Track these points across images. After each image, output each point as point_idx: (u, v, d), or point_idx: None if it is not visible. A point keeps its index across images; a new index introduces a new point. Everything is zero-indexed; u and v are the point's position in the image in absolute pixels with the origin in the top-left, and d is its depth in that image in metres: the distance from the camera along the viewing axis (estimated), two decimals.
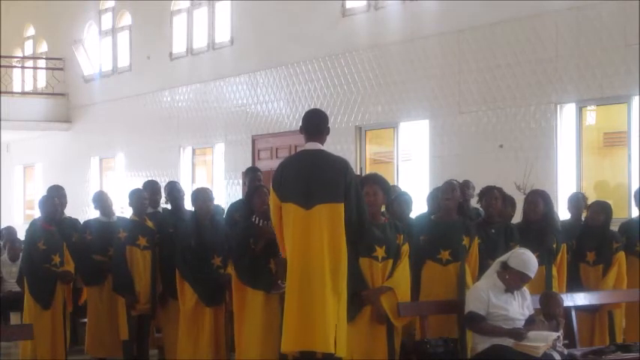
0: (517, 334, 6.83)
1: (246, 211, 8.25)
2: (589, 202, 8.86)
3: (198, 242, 8.37)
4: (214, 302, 8.33)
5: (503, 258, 7.09)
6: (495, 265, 7.11)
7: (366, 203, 6.68)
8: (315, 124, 6.74)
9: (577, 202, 8.90)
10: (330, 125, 6.83)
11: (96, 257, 9.51)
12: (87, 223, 10.09)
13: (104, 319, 9.46)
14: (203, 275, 8.34)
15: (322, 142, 6.68)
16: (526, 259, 6.98)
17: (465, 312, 7.00)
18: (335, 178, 6.48)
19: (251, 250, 7.81)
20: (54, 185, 10.45)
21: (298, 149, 15.07)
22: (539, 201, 8.01)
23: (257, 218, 7.94)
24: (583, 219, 8.87)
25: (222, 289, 8.35)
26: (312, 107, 14.87)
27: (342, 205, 6.46)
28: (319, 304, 6.35)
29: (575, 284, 8.19)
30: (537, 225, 7.93)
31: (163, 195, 9.82)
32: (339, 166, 6.57)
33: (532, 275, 7.01)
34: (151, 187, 9.80)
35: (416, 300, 7.37)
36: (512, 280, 6.98)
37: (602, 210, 8.46)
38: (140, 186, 9.80)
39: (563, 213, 11.05)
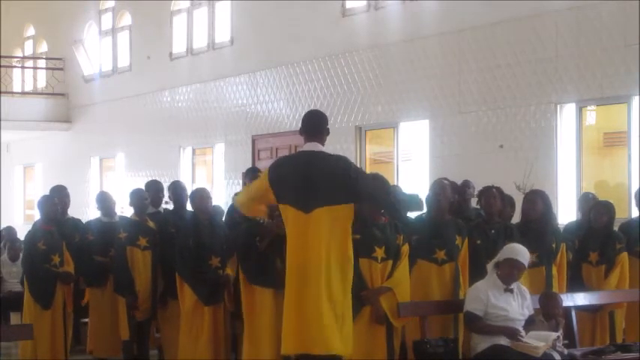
0: (511, 333, 6.84)
1: None
2: (595, 202, 8.85)
3: (197, 242, 8.36)
4: (213, 301, 8.32)
5: (494, 260, 7.10)
6: (489, 267, 7.12)
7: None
8: (313, 124, 6.61)
9: (587, 202, 8.89)
10: (330, 125, 6.73)
11: (97, 258, 9.52)
12: (89, 223, 10.10)
13: (106, 319, 9.46)
14: (201, 275, 8.34)
15: (322, 142, 6.53)
16: (512, 247, 7.05)
17: (463, 312, 7.01)
18: (335, 180, 6.32)
19: (256, 249, 7.80)
20: (57, 185, 10.44)
21: (298, 149, 15.12)
22: (537, 200, 8.02)
23: (260, 217, 7.94)
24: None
25: (220, 289, 8.35)
26: (312, 107, 14.94)
27: (343, 206, 6.32)
28: (318, 306, 6.27)
29: (577, 284, 8.19)
30: (536, 225, 7.93)
31: (166, 195, 9.81)
32: (339, 165, 6.42)
33: (521, 259, 6.97)
34: (154, 186, 9.80)
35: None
36: (506, 271, 6.98)
37: (605, 210, 8.46)
38: (140, 186, 9.80)
39: (564, 213, 11.10)
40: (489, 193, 7.98)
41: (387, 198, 6.62)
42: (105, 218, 9.82)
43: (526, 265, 7.07)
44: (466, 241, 7.58)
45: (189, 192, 9.56)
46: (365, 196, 6.42)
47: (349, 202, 6.33)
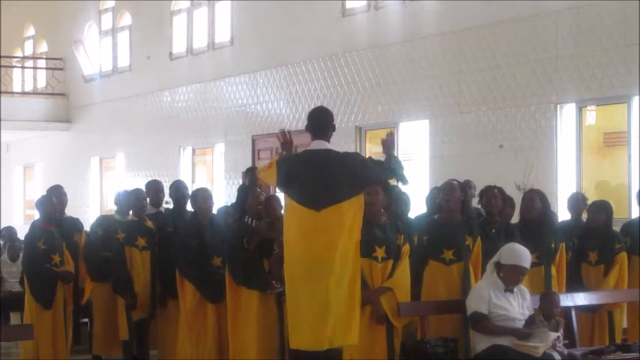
0: (522, 334, 6.85)
1: (239, 212, 8.24)
2: (589, 201, 8.85)
3: (199, 242, 8.37)
4: (218, 299, 8.29)
5: (495, 258, 7.09)
6: (490, 266, 7.11)
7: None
8: (319, 122, 6.73)
9: (577, 202, 8.90)
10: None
11: (105, 254, 9.48)
12: (101, 218, 10.07)
13: (111, 316, 9.44)
14: (205, 275, 8.34)
15: (328, 140, 6.68)
16: (516, 252, 7.02)
17: (468, 312, 7.00)
18: (344, 177, 6.49)
19: (244, 250, 7.81)
20: (54, 185, 10.45)
21: (299, 149, 15.14)
22: (535, 200, 8.02)
23: (249, 218, 7.95)
24: (584, 219, 8.89)
25: (223, 287, 8.33)
26: (312, 107, 14.90)
27: (351, 200, 6.47)
28: (331, 301, 6.39)
29: (576, 284, 8.19)
30: (535, 224, 7.93)
31: (166, 194, 9.79)
32: (348, 162, 6.63)
33: (526, 265, 7.00)
34: (154, 186, 9.79)
35: (418, 300, 7.37)
36: (508, 275, 6.98)
37: (602, 209, 8.47)
38: (141, 186, 9.78)
39: (564, 213, 11.09)
40: (491, 192, 7.99)
41: (386, 173, 6.80)
42: (117, 216, 9.79)
43: (529, 267, 7.08)
44: (478, 241, 7.58)
45: (190, 192, 9.56)
46: (371, 182, 6.66)
47: (357, 193, 6.50)
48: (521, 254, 7.01)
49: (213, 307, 8.30)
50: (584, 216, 8.78)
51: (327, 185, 6.46)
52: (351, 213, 6.48)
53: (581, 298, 7.90)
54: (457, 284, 7.45)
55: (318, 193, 6.46)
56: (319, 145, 6.65)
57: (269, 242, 7.72)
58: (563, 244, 8.04)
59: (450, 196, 7.61)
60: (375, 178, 6.70)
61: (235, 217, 8.48)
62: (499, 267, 7.02)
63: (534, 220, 7.95)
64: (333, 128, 6.78)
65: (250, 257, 7.79)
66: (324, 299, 6.37)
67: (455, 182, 7.89)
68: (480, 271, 7.52)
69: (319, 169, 6.52)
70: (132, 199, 9.23)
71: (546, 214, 8.06)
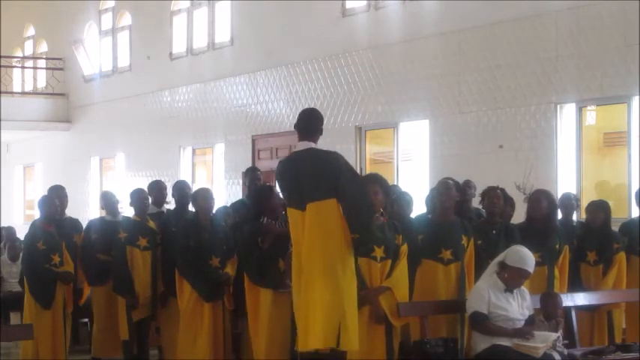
0: (523, 332, 6.85)
1: (254, 211, 8.21)
2: (589, 201, 8.86)
3: (197, 242, 8.37)
4: (213, 298, 8.31)
5: (499, 258, 7.09)
6: (493, 266, 7.11)
7: (368, 196, 6.66)
8: (307, 123, 6.73)
9: (568, 202, 8.91)
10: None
11: (101, 256, 9.51)
12: (92, 222, 10.10)
13: (110, 319, 9.44)
14: (202, 274, 8.33)
15: (315, 141, 6.66)
16: (523, 255, 7.01)
17: (469, 313, 7.00)
18: (322, 174, 6.44)
19: (258, 249, 7.82)
20: (55, 185, 10.44)
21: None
22: (542, 200, 8.02)
23: (265, 218, 7.95)
24: (575, 219, 8.90)
25: (220, 286, 8.35)
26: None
27: (333, 200, 6.42)
28: (314, 302, 6.38)
29: (575, 284, 8.19)
30: (540, 225, 7.93)
31: (169, 194, 9.80)
32: (327, 160, 6.54)
33: (530, 270, 7.01)
34: (157, 186, 9.79)
35: (410, 299, 7.36)
36: (512, 277, 6.99)
37: (600, 209, 8.47)
38: (140, 186, 9.79)
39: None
40: (493, 193, 7.97)
41: (356, 213, 6.53)
42: (108, 217, 9.83)
43: (532, 272, 7.09)
44: (472, 241, 7.58)
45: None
46: (341, 195, 6.46)
47: (332, 196, 6.40)
48: (528, 258, 7.01)
49: (210, 306, 8.30)
50: (581, 217, 8.79)
51: (306, 183, 6.45)
52: (333, 215, 6.39)
53: (581, 298, 7.90)
54: (455, 284, 7.44)
55: (301, 191, 6.46)
56: (304, 145, 6.66)
57: (284, 241, 7.70)
58: (567, 246, 8.04)
59: (446, 196, 7.60)
60: (343, 187, 6.45)
61: (249, 216, 8.45)
62: (503, 267, 7.01)
63: (540, 220, 7.94)
64: (320, 132, 6.73)
65: (264, 256, 7.80)
66: (311, 301, 6.38)
67: (450, 181, 7.89)
68: (473, 271, 7.53)
69: (300, 168, 6.53)
70: (134, 199, 9.24)
71: (552, 215, 8.06)
